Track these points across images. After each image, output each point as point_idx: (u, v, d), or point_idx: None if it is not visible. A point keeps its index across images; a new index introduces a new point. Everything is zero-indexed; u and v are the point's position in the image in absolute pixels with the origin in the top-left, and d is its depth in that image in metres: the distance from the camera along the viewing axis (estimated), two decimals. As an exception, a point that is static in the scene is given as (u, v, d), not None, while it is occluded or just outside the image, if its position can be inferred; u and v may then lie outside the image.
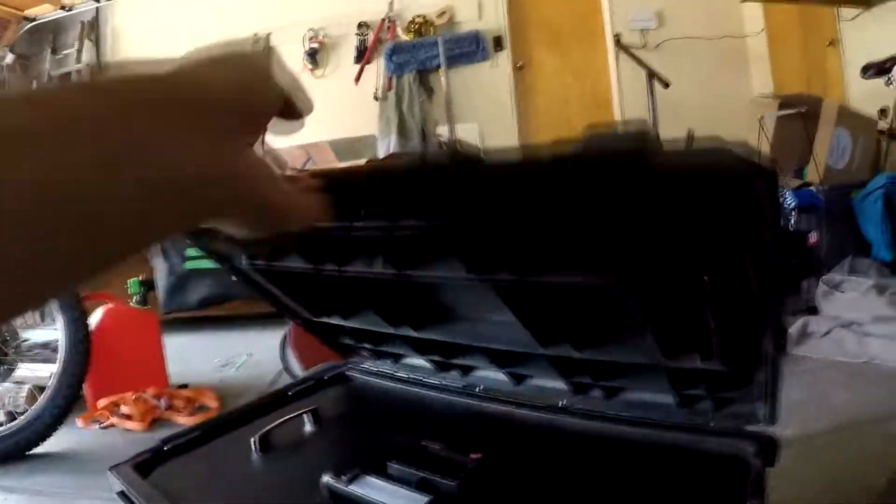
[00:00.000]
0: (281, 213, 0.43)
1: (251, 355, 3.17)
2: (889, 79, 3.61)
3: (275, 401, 1.25)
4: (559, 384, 1.11)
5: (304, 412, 1.14)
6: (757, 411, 0.92)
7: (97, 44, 5.68)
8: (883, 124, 3.73)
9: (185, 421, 2.26)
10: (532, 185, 0.63)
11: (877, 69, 3.63)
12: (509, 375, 1.16)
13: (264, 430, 1.07)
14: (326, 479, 0.86)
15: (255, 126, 0.42)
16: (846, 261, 2.82)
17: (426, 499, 0.78)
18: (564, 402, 1.09)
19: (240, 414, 1.19)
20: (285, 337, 2.61)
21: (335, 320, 1.21)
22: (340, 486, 0.84)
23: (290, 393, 1.29)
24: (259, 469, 1.02)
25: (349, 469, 0.86)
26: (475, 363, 1.21)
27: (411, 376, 1.30)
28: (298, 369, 2.39)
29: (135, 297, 2.67)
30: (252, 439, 1.05)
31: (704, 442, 0.92)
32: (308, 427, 1.14)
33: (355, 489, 0.83)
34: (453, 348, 1.16)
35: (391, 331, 1.14)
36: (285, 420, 1.11)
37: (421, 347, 1.20)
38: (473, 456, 0.91)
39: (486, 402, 1.16)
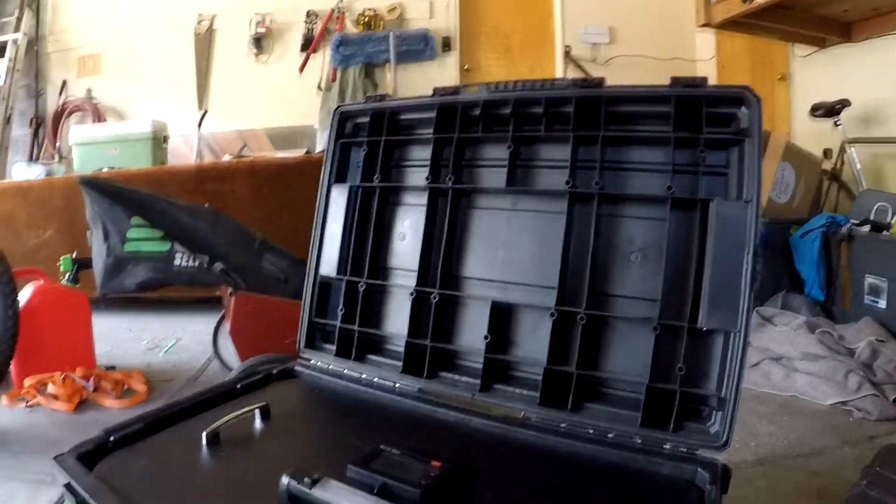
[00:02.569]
0: None
1: (180, 339, 3.09)
2: (837, 121, 3.76)
3: (222, 394, 1.21)
4: (526, 392, 1.12)
5: (255, 408, 1.11)
6: (714, 434, 0.95)
7: (37, 13, 5.44)
8: (827, 165, 3.86)
9: (112, 404, 2.17)
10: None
11: (826, 110, 3.77)
12: (476, 379, 1.17)
13: (214, 426, 1.03)
14: (286, 480, 0.82)
15: None
16: (780, 295, 2.92)
17: (394, 506, 0.76)
18: (525, 414, 1.09)
19: (186, 406, 1.15)
20: (219, 324, 2.54)
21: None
22: (303, 488, 0.81)
23: (238, 386, 1.25)
24: (209, 465, 0.99)
25: (307, 471, 0.83)
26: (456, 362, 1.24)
27: (366, 377, 1.28)
28: (234, 358, 2.33)
29: (66, 276, 2.54)
30: (202, 433, 1.01)
31: (661, 465, 0.94)
32: (258, 423, 1.10)
33: (318, 493, 0.80)
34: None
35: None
36: (235, 416, 1.07)
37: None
38: (434, 464, 0.90)
39: (444, 409, 1.16)
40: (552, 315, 1.10)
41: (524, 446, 1.04)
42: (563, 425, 1.05)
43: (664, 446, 0.97)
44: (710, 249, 0.98)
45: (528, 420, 1.09)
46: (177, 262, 2.36)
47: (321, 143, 4.59)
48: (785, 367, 2.36)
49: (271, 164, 3.86)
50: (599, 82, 1.12)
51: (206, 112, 4.68)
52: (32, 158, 5.15)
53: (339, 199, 1.38)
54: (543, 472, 0.97)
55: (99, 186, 2.36)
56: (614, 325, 1.08)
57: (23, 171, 4.12)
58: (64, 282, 2.54)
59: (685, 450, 0.95)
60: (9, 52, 4.98)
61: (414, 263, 1.29)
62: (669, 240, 1.02)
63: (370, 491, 0.83)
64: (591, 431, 1.03)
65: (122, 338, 3.12)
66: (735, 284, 0.95)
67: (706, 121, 1.02)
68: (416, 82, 5.00)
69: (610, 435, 1.01)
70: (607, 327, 1.09)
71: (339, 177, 1.40)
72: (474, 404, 1.15)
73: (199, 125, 4.44)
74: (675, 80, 1.04)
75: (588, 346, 1.08)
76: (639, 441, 0.99)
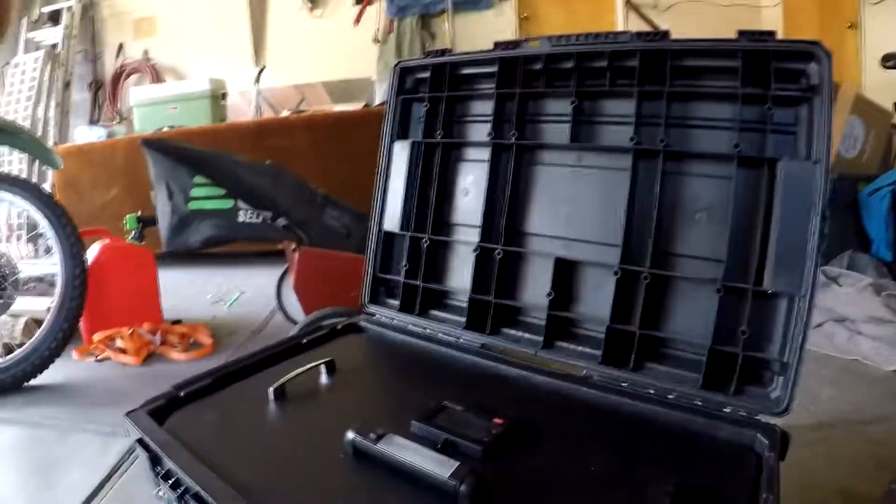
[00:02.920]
0: None
1: (243, 293, 3.16)
2: (909, 73, 3.54)
3: (288, 349, 1.25)
4: (588, 350, 1.12)
5: (320, 363, 1.14)
6: (775, 399, 0.94)
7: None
8: (898, 118, 3.62)
9: (178, 357, 2.26)
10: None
11: (899, 60, 3.55)
12: (539, 335, 1.17)
13: (281, 381, 1.06)
14: (351, 435, 0.85)
15: None
16: (846, 254, 2.80)
17: (456, 463, 0.77)
18: (586, 372, 1.10)
19: (254, 361, 1.18)
20: (283, 277, 2.60)
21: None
22: (368, 443, 0.83)
23: (303, 341, 1.28)
24: (276, 419, 1.02)
25: (372, 427, 0.85)
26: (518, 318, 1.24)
27: (429, 331, 1.30)
28: (298, 311, 2.38)
29: (132, 234, 2.62)
30: (269, 388, 1.05)
31: (719, 428, 0.93)
32: (324, 378, 1.13)
33: (383, 448, 0.82)
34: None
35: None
36: (301, 371, 1.10)
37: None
38: (497, 420, 0.91)
39: (507, 365, 1.17)
40: (616, 273, 1.09)
41: (585, 404, 1.05)
42: (624, 384, 1.05)
43: (724, 409, 0.96)
44: (776, 210, 0.95)
45: (590, 378, 1.09)
46: (240, 218, 2.41)
47: (379, 95, 4.56)
48: (849, 330, 2.29)
49: (330, 117, 3.87)
50: (664, 35, 1.09)
51: (263, 68, 4.71)
52: (93, 121, 5.28)
53: (401, 155, 1.39)
54: (603, 431, 0.98)
55: (160, 147, 2.41)
56: (678, 285, 1.07)
57: (85, 134, 4.25)
58: (129, 240, 2.62)
59: (745, 414, 0.94)
60: (64, 20, 5.07)
61: (477, 219, 1.29)
62: (736, 199, 0.99)
63: (433, 447, 0.84)
64: (652, 391, 1.02)
65: (187, 292, 3.21)
66: (802, 247, 0.92)
67: (774, 76, 0.97)
68: (473, 32, 4.90)
69: (670, 396, 1.00)
70: (671, 287, 1.07)
71: (401, 132, 1.40)
72: (536, 361, 1.16)
73: (257, 81, 4.48)
74: (742, 34, 1.00)
75: (651, 306, 1.07)
76: (699, 403, 0.98)
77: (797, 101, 0.97)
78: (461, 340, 1.26)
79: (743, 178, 0.99)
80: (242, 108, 4.59)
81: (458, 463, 0.78)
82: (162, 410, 1.01)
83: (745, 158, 0.99)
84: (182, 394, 1.05)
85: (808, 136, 0.95)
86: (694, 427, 0.95)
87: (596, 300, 1.15)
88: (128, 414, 0.98)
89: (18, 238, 3.89)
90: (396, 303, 1.38)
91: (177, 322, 2.57)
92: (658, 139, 1.06)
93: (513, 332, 1.24)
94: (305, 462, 0.89)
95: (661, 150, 1.06)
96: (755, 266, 0.97)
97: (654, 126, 1.07)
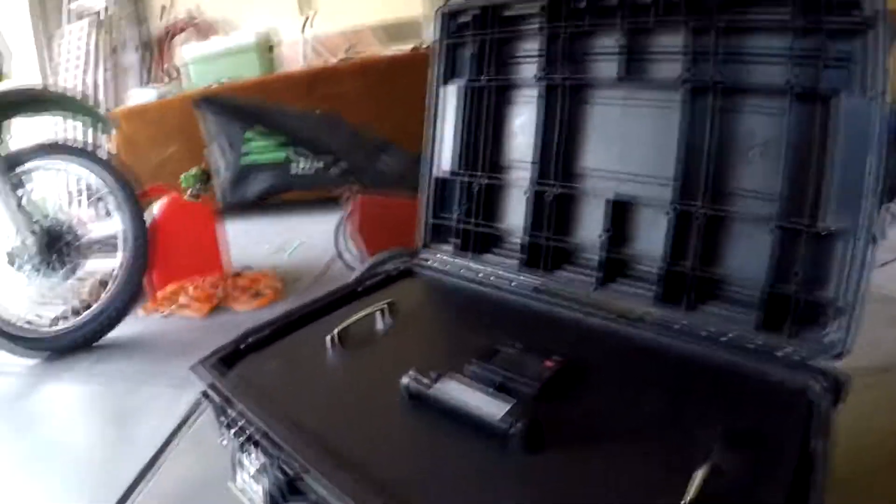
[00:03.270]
0: None
1: (303, 242, 3.20)
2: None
3: (347, 295, 1.28)
4: (643, 290, 1.12)
5: (378, 308, 1.17)
6: (831, 342, 0.92)
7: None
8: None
9: (243, 306, 2.33)
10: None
11: None
12: (594, 275, 1.18)
13: (340, 326, 1.09)
14: (408, 378, 0.88)
15: None
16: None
17: (511, 402, 0.80)
18: (641, 312, 1.10)
19: (313, 308, 1.22)
20: (341, 223, 2.64)
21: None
22: (423, 386, 0.86)
23: (360, 288, 1.31)
24: (337, 364, 1.06)
25: (429, 369, 0.88)
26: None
27: (485, 273, 1.32)
28: (355, 256, 2.43)
29: (191, 189, 2.69)
30: (329, 336, 1.08)
31: (773, 371, 0.92)
32: (381, 322, 1.16)
33: (438, 390, 0.85)
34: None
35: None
36: (359, 317, 1.14)
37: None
38: (552, 360, 0.93)
39: (562, 306, 1.17)
40: (670, 211, 1.08)
41: (639, 345, 1.05)
42: (678, 325, 1.05)
43: (778, 352, 0.94)
44: (832, 147, 0.91)
45: (644, 319, 1.09)
46: (294, 169, 2.45)
47: (428, 35, 4.50)
48: (918, 271, 2.21)
49: (380, 61, 3.84)
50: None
51: (309, 16, 4.68)
52: (145, 83, 5.36)
53: (450, 98, 1.38)
54: (656, 372, 0.98)
55: (212, 104, 2.46)
56: (732, 223, 1.04)
57: (138, 96, 4.32)
58: (189, 195, 2.69)
59: (799, 357, 0.92)
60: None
61: (530, 158, 1.28)
62: (790, 135, 0.96)
63: (487, 389, 0.86)
64: (706, 332, 1.01)
65: (248, 244, 3.27)
66: (858, 185, 0.88)
67: (828, 7, 0.92)
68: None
69: (724, 337, 0.99)
70: (725, 225, 1.05)
71: (449, 76, 1.39)
72: (591, 301, 1.16)
73: (304, 29, 4.46)
74: (794, -37, 0.94)
75: (706, 245, 1.06)
76: (753, 345, 0.97)
77: (852, 33, 0.91)
78: (516, 282, 1.27)
79: (797, 113, 0.96)
80: (293, 58, 4.58)
81: (510, 404, 0.80)
82: (226, 361, 1.05)
83: (799, 93, 0.95)
84: (245, 344, 1.09)
85: (863, 71, 0.90)
86: (747, 370, 0.94)
87: (650, 239, 1.14)
88: (195, 365, 1.03)
89: (80, 203, 4.04)
90: (451, 247, 1.40)
91: (239, 273, 2.64)
92: (709, 74, 1.03)
93: (567, 272, 1.24)
94: (365, 406, 0.93)
95: (713, 84, 1.03)
96: (811, 204, 0.94)
97: (704, 60, 1.04)
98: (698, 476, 0.67)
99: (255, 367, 1.05)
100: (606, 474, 0.75)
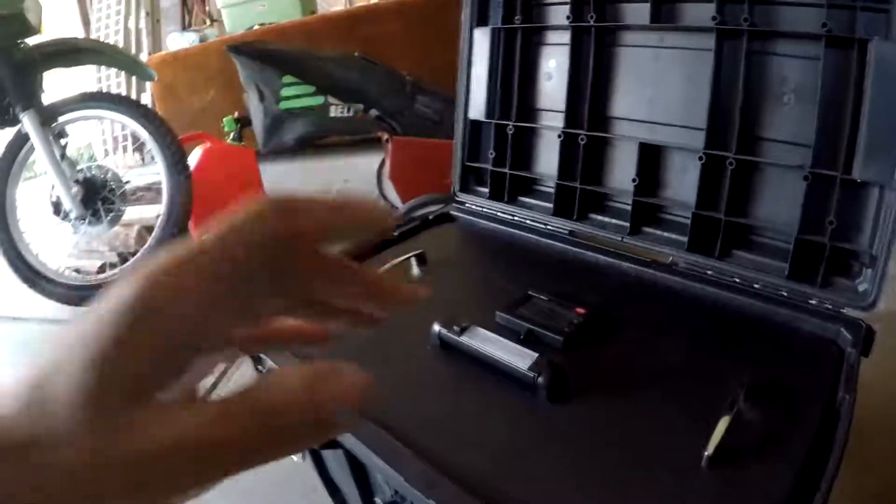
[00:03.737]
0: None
1: (347, 182, 3.14)
2: None
3: (381, 241, 1.29)
4: (674, 237, 1.12)
5: (411, 255, 1.18)
6: (862, 292, 0.91)
7: None
8: None
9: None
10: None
11: None
12: (626, 222, 1.18)
13: (376, 274, 1.12)
14: (437, 328, 0.90)
15: None
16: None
17: (535, 355, 0.82)
18: (672, 259, 1.10)
19: (351, 255, 1.24)
20: (381, 166, 2.66)
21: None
22: (452, 336, 0.88)
23: (395, 234, 1.33)
24: (370, 311, 1.08)
25: (457, 319, 0.90)
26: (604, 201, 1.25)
27: (518, 218, 1.33)
28: (396, 199, 2.44)
29: (231, 135, 2.72)
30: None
31: (803, 320, 0.92)
32: (415, 269, 1.17)
33: (466, 340, 0.87)
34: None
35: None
36: (393, 265, 1.16)
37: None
38: (580, 310, 0.94)
39: (593, 252, 1.18)
40: (701, 158, 1.07)
41: (669, 292, 1.06)
42: (709, 272, 1.05)
43: (809, 301, 0.94)
44: (867, 95, 0.88)
45: (676, 265, 1.09)
46: (332, 113, 2.46)
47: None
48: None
49: (419, 0, 3.81)
50: None
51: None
52: (185, 27, 5.38)
53: (482, 42, 1.37)
54: (685, 320, 0.99)
55: (247, 51, 2.46)
56: (764, 170, 1.03)
57: (177, 41, 4.34)
58: (229, 141, 2.72)
59: (830, 307, 0.92)
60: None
61: (561, 104, 1.27)
62: (824, 82, 0.93)
63: (516, 338, 0.88)
64: (737, 280, 1.02)
65: (291, 187, 3.29)
66: (893, 135, 0.86)
67: None
68: None
69: (756, 285, 1.00)
70: (757, 173, 1.04)
71: (480, 19, 1.37)
72: (623, 247, 1.17)
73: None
74: None
75: (737, 192, 1.05)
76: (784, 294, 0.97)
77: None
78: (548, 227, 1.28)
79: (832, 58, 0.92)
80: (333, -1, 4.54)
81: (537, 354, 0.82)
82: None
83: (833, 38, 0.92)
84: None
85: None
86: (777, 319, 0.95)
87: (681, 185, 1.13)
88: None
89: (125, 150, 4.12)
90: (486, 190, 1.40)
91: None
92: (742, 17, 1.00)
93: (599, 217, 1.24)
94: (395, 354, 0.94)
95: (745, 28, 1.00)
96: (844, 153, 0.92)
97: (737, 3, 1.01)
98: (721, 425, 0.69)
99: (290, 315, 1.08)
100: (630, 422, 0.77)
